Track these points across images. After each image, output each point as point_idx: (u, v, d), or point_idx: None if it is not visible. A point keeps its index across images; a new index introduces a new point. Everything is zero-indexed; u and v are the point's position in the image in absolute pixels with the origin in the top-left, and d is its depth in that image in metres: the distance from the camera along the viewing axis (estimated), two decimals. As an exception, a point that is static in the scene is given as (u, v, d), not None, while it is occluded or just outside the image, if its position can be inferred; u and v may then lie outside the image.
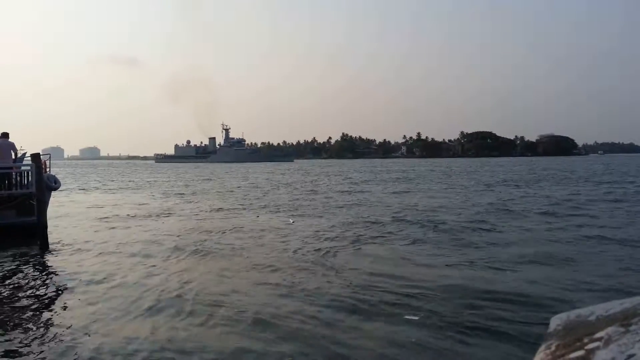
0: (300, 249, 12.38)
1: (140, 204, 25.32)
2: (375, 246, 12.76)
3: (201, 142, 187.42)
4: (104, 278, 9.69)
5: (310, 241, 13.43)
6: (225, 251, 12.40)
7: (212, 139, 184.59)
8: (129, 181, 51.89)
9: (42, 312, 7.77)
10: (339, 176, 57.08)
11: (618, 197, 24.70)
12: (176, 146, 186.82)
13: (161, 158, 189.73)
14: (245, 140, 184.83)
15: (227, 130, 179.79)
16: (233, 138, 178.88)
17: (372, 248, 12.50)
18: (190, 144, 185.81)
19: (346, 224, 16.55)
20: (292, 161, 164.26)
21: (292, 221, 17.58)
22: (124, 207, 23.70)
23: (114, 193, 34.33)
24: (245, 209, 22.21)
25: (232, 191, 34.16)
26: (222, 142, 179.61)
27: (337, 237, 14.10)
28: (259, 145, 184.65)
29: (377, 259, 11.14)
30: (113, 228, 16.74)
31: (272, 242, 13.51)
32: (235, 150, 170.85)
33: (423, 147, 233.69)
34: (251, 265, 10.67)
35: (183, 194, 32.47)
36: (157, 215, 20.22)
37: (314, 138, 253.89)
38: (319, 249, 12.19)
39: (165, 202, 26.72)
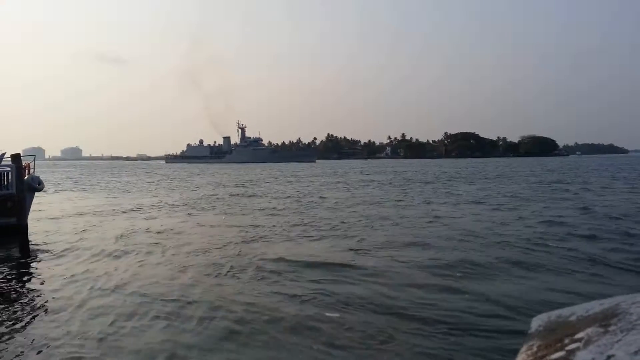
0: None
1: (132, 209, 25.01)
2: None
3: (215, 142, 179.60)
4: (83, 282, 9.56)
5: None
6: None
7: (227, 138, 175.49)
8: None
9: (18, 316, 7.63)
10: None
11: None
12: (188, 146, 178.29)
13: (171, 158, 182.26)
14: (262, 139, 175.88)
15: (243, 129, 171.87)
16: (249, 137, 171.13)
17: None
18: (203, 143, 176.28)
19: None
20: (314, 161, 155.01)
21: None
22: (112, 210, 23.42)
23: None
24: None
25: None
26: (237, 142, 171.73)
27: None
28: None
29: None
30: (97, 232, 16.50)
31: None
32: (252, 150, 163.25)
33: (407, 148, 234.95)
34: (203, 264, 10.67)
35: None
36: (146, 217, 20.03)
37: (299, 139, 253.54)
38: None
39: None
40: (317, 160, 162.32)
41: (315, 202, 25.10)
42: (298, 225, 16.82)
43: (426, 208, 21.61)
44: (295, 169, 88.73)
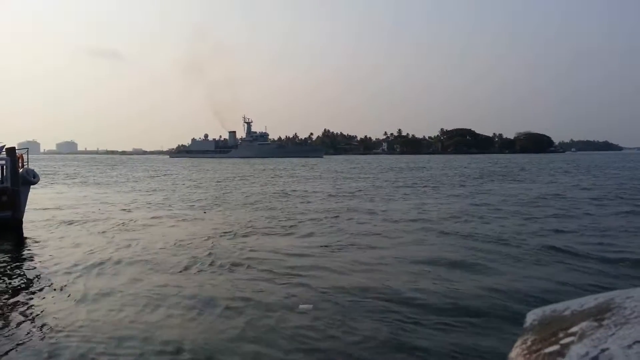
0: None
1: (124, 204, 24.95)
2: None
3: (220, 136, 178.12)
4: (78, 276, 9.55)
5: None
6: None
7: (232, 133, 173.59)
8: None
9: (12, 311, 7.61)
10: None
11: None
12: (193, 140, 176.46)
13: (175, 153, 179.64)
14: (268, 134, 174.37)
15: (249, 124, 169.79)
16: (255, 132, 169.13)
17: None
18: (208, 138, 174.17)
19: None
20: (322, 157, 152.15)
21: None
22: (108, 203, 23.37)
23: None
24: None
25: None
26: (243, 136, 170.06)
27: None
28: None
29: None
30: (92, 225, 16.46)
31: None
32: (258, 145, 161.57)
33: (404, 144, 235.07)
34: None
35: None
36: (135, 214, 20.01)
37: (296, 134, 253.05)
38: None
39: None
40: (324, 156, 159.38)
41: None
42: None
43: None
44: (310, 164, 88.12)
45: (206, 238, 13.50)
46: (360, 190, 29.56)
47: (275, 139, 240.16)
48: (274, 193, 28.23)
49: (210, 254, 11.41)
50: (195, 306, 7.61)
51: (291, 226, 15.51)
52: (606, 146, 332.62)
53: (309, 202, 23.10)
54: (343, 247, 12.06)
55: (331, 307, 7.46)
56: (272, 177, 45.89)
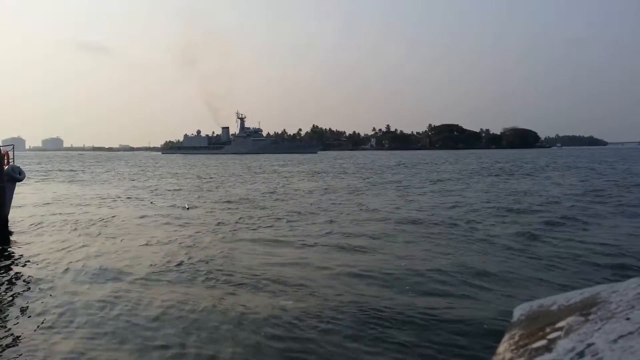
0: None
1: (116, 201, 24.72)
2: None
3: (213, 132, 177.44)
4: (66, 275, 9.45)
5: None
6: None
7: (225, 129, 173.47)
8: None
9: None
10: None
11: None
12: (185, 136, 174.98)
13: (167, 149, 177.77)
14: (262, 130, 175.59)
15: (242, 120, 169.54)
16: (249, 127, 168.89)
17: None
18: (201, 133, 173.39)
19: None
20: (316, 152, 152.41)
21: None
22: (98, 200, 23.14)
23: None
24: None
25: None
26: (237, 132, 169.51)
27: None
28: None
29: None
30: (79, 223, 16.30)
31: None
32: (252, 141, 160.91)
33: (392, 140, 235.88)
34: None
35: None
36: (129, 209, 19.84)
37: (284, 130, 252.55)
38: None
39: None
40: (318, 152, 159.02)
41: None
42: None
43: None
44: (306, 160, 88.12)
45: (190, 236, 13.36)
46: (353, 187, 29.63)
47: (265, 135, 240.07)
48: (266, 190, 28.14)
49: (191, 253, 11.22)
50: (181, 304, 7.56)
51: (277, 225, 15.40)
52: (591, 141, 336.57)
53: (301, 199, 23.04)
54: (329, 246, 11.97)
55: (313, 302, 7.48)
56: (265, 173, 45.76)
